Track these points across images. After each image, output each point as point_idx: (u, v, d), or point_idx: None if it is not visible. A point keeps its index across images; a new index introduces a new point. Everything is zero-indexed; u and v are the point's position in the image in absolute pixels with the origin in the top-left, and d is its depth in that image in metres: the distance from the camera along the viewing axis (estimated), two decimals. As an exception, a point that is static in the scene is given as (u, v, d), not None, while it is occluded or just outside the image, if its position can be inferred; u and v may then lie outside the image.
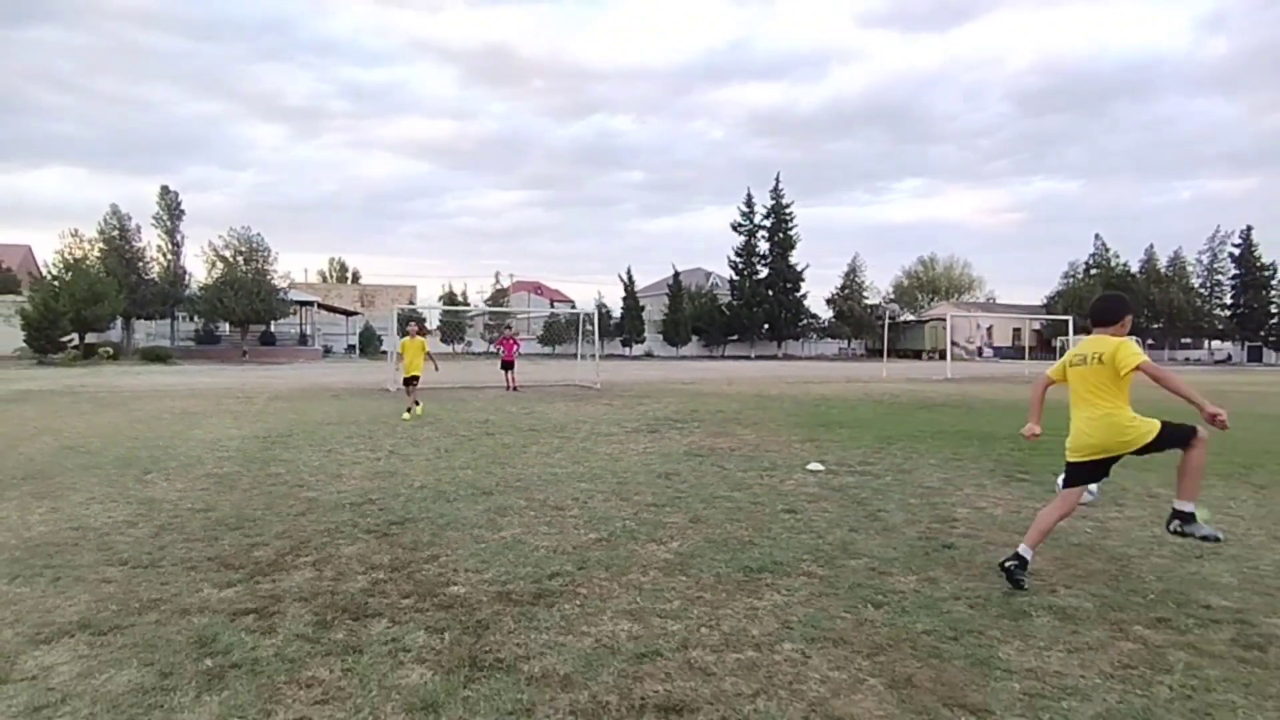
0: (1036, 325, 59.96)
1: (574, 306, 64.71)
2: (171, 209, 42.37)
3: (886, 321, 39.66)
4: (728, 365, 41.53)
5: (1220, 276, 60.73)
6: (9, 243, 56.49)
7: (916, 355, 57.59)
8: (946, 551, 4.56)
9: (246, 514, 5.31)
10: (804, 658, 2.99)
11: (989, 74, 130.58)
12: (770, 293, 56.84)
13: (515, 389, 18.01)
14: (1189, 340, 62.65)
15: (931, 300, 75.97)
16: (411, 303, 66.13)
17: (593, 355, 24.09)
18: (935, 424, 11.65)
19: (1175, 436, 3.88)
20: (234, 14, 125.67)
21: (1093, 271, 61.22)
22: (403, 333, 14.46)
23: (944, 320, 50.24)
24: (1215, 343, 63.00)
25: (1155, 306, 58.52)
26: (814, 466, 7.53)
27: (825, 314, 61.67)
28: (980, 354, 60.67)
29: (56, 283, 33.44)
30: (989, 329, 64.50)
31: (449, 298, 54.16)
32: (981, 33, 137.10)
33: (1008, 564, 3.87)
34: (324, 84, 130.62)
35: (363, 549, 4.46)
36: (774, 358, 55.39)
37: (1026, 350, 41.11)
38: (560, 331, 51.29)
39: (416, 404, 12.11)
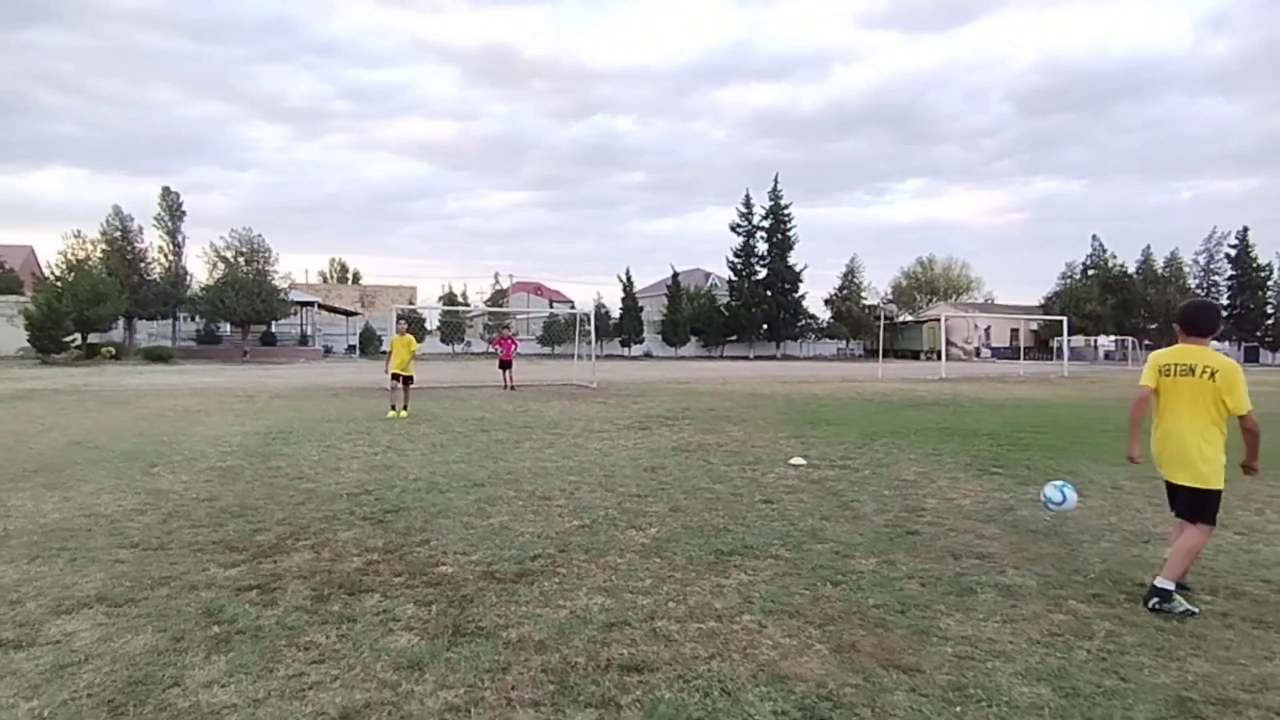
0: (1034, 326, 60.20)
1: (573, 307, 65.01)
2: (173, 210, 42.68)
3: (882, 322, 39.87)
4: (726, 365, 41.78)
5: (1217, 277, 60.89)
6: (12, 243, 56.80)
7: (915, 355, 57.82)
8: (910, 537, 4.83)
9: (249, 503, 5.59)
10: (760, 627, 3.26)
11: (991, 74, 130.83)
12: (769, 293, 57.07)
13: (513, 388, 18.28)
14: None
15: (930, 301, 76.21)
16: (411, 303, 66.43)
17: (589, 355, 24.35)
18: (921, 421, 11.92)
19: (1206, 510, 3.67)
20: (236, 15, 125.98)
21: (1090, 272, 61.45)
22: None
23: (949, 318, 50.52)
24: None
25: (1152, 307, 58.72)
26: (796, 461, 7.80)
27: (824, 314, 61.93)
28: (978, 354, 60.90)
29: (60, 283, 33.71)
30: (987, 329, 64.70)
31: (449, 298, 54.41)
32: (983, 33, 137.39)
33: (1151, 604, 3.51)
34: (326, 85, 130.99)
35: (358, 534, 4.74)
36: (772, 358, 55.65)
37: (1021, 351, 41.31)
38: (559, 332, 51.56)
39: (404, 407, 11.85)
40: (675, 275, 57.75)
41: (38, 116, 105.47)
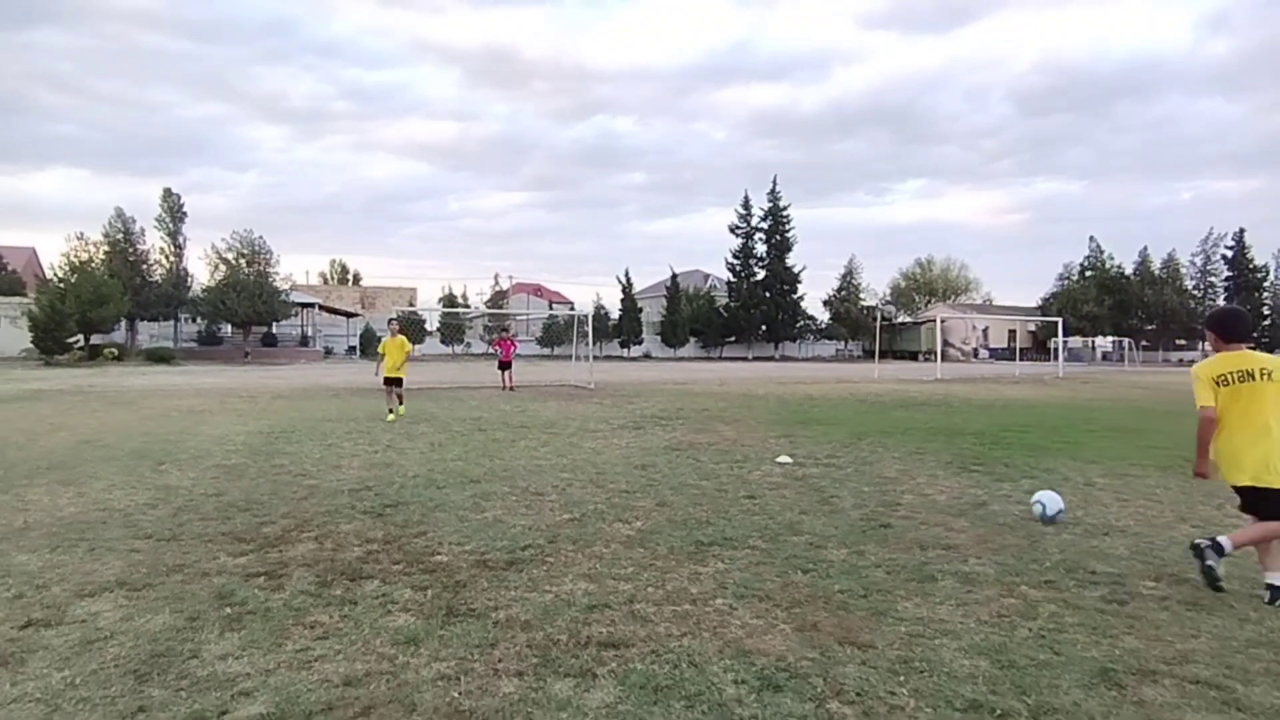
0: (1032, 327, 60.45)
1: (573, 308, 65.26)
2: (174, 211, 42.97)
3: (879, 323, 40.12)
4: (724, 366, 42.05)
5: (1213, 278, 61.23)
6: (14, 245, 57.07)
7: (913, 356, 58.06)
8: (882, 530, 5.09)
9: (254, 498, 5.86)
10: (731, 609, 3.53)
11: (991, 74, 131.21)
12: (767, 294, 57.36)
13: (512, 389, 18.54)
14: (1183, 341, 63.11)
15: (928, 302, 76.46)
16: (411, 304, 66.69)
17: (587, 356, 24.61)
18: (909, 421, 12.18)
19: None
20: (236, 15, 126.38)
21: (1088, 273, 61.74)
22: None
23: (944, 319, 50.76)
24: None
25: (1149, 308, 59.02)
26: (782, 459, 8.07)
27: (822, 316, 62.21)
28: (975, 355, 61.15)
29: (63, 285, 33.99)
30: (984, 330, 64.95)
31: (449, 299, 54.68)
32: (983, 33, 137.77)
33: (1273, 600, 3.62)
34: (326, 85, 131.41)
35: (359, 526, 5.00)
36: (771, 359, 55.89)
37: (1017, 352, 41.57)
38: (559, 333, 51.84)
39: (399, 405, 11.94)
40: (674, 276, 58.02)
41: (38, 117, 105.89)
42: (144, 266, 41.07)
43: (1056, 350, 35.03)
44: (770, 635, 3.21)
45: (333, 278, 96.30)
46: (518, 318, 55.73)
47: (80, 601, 3.49)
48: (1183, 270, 61.43)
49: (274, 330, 46.04)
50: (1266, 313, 59.65)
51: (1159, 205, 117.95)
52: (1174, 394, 20.06)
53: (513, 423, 11.46)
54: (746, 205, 58.12)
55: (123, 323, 39.89)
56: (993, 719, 2.49)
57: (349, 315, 56.56)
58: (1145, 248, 62.62)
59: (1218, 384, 3.80)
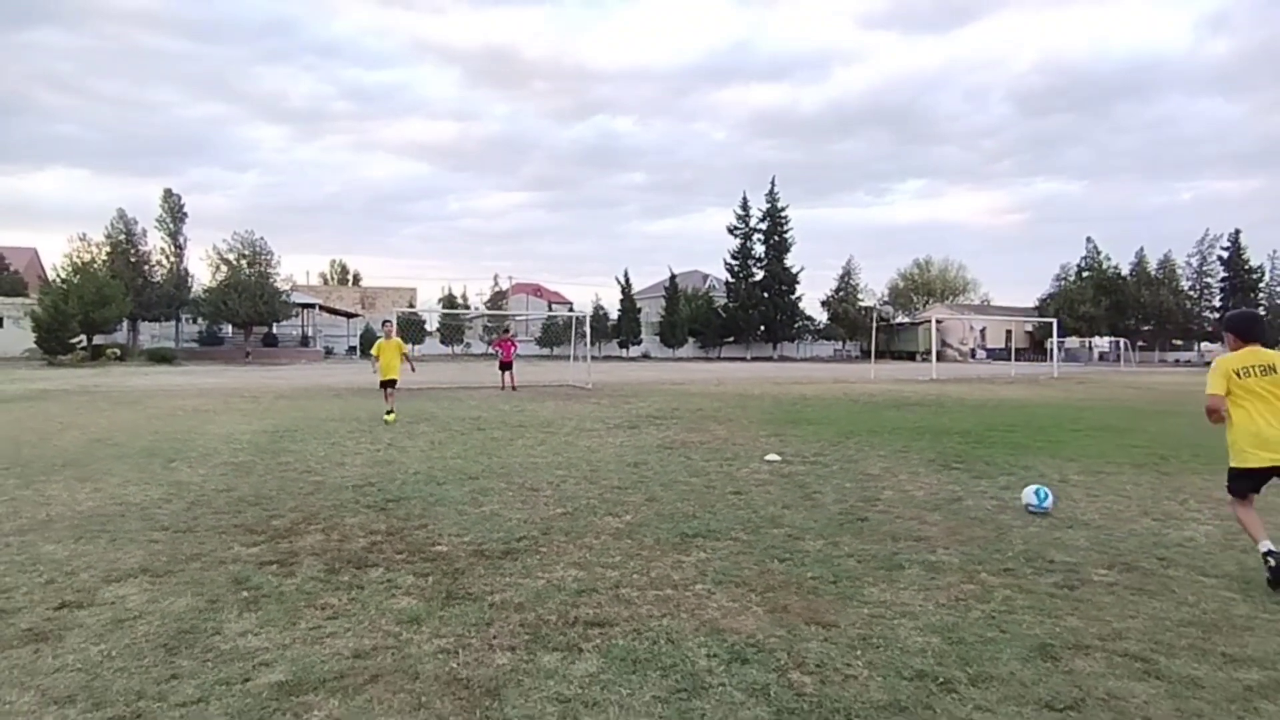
0: (1029, 327, 60.73)
1: (572, 308, 65.53)
2: (174, 212, 43.26)
3: (875, 323, 40.42)
4: (722, 367, 42.34)
5: (1209, 279, 61.49)
6: (15, 245, 57.36)
7: (910, 356, 58.32)
8: (858, 523, 5.38)
9: (263, 493, 6.14)
10: (709, 594, 3.81)
11: (991, 75, 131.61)
12: (766, 295, 57.65)
13: (514, 388, 18.81)
14: (1179, 342, 63.41)
15: (926, 302, 76.76)
16: (411, 305, 66.95)
17: (585, 357, 24.89)
18: (899, 421, 12.45)
19: None
20: (236, 16, 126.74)
21: (1084, 274, 62.01)
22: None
23: (938, 322, 51.05)
24: (1205, 344, 63.75)
25: (1145, 309, 59.28)
26: (771, 457, 8.35)
27: (821, 316, 62.49)
28: (973, 355, 61.43)
29: (66, 286, 34.28)
30: (982, 331, 65.23)
31: (448, 300, 54.98)
32: (983, 34, 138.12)
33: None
34: (326, 85, 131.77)
35: (364, 520, 5.29)
36: (769, 359, 56.18)
37: (1013, 352, 41.87)
38: (558, 333, 52.14)
39: (390, 411, 11.72)
40: (673, 277, 58.31)
41: (39, 117, 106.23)
42: (145, 267, 41.36)
43: (1053, 350, 35.34)
44: (743, 616, 3.50)
45: (333, 278, 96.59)
46: (517, 318, 56.01)
47: (108, 586, 3.78)
48: (1179, 271, 61.71)
49: (274, 331, 46.34)
50: (1262, 313, 59.91)
51: (1159, 205, 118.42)
52: (1166, 394, 20.35)
53: (511, 422, 11.74)
54: (745, 206, 58.42)
55: (124, 323, 40.19)
56: (935, 686, 2.77)
57: (349, 316, 56.85)
58: (1142, 248, 62.95)
59: (1237, 375, 4.19)
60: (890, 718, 2.53)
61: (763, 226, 58.39)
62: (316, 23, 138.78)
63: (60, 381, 21.61)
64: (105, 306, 33.86)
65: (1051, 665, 2.95)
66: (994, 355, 60.12)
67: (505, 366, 19.56)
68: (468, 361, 42.73)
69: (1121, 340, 57.57)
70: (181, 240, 43.43)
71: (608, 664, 2.94)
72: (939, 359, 39.17)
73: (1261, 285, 59.94)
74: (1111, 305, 58.67)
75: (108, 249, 39.61)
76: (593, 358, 30.31)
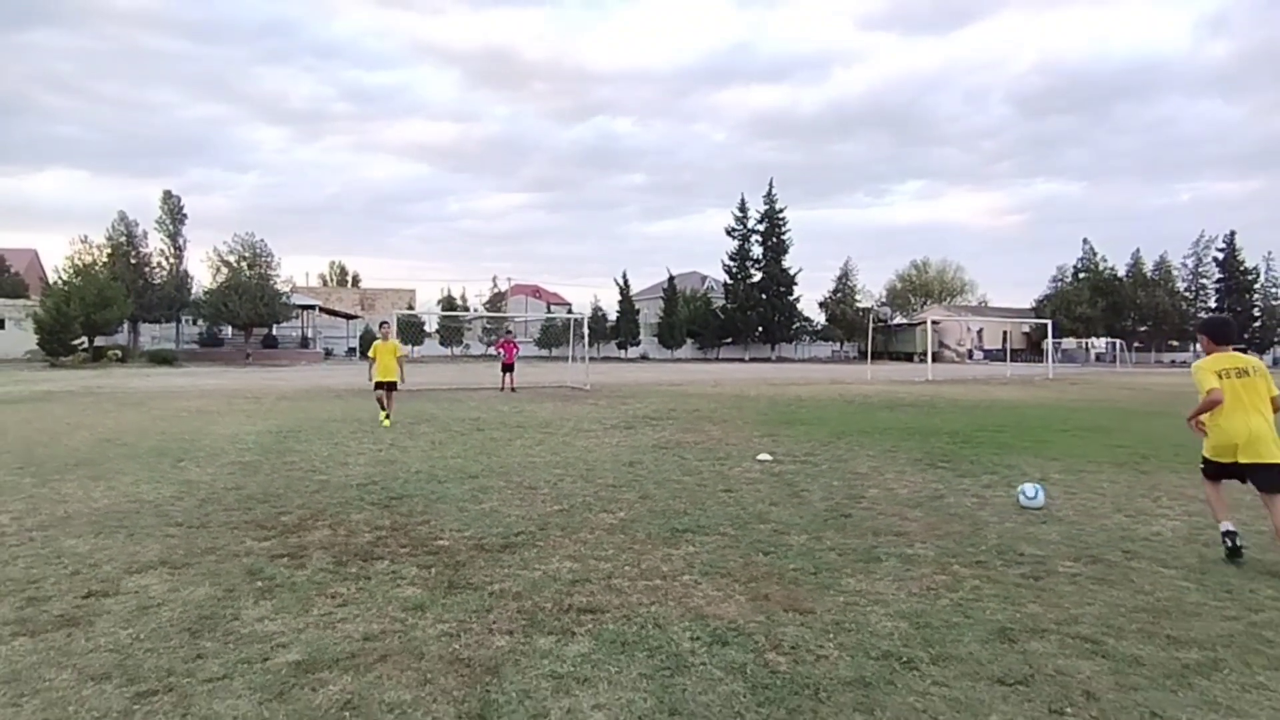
0: (1025, 328, 61.00)
1: (570, 309, 65.78)
2: (174, 213, 43.47)
3: (871, 324, 40.68)
4: (720, 368, 42.57)
5: (1204, 280, 61.81)
6: (15, 247, 57.56)
7: (908, 358, 58.57)
8: (842, 519, 5.61)
9: (271, 492, 6.38)
10: (696, 584, 4.05)
11: (990, 76, 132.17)
12: (764, 296, 57.89)
13: (514, 389, 19.04)
14: (1175, 343, 63.68)
15: (924, 303, 77.06)
16: (410, 306, 67.16)
17: (584, 358, 25.13)
18: (891, 421, 12.70)
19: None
20: (236, 17, 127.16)
21: (1081, 275, 62.29)
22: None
23: (934, 323, 51.32)
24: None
25: (1141, 310, 59.57)
26: (762, 457, 8.59)
27: (819, 317, 62.76)
28: (970, 356, 61.70)
29: (67, 288, 34.50)
30: (979, 332, 65.51)
31: (447, 301, 55.22)
32: (982, 35, 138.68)
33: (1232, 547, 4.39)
34: (326, 87, 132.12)
35: (368, 516, 5.53)
36: (767, 360, 56.42)
37: (1009, 353, 42.14)
38: (556, 335, 52.39)
39: (388, 415, 11.53)
40: (671, 278, 58.57)
41: (39, 118, 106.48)
42: (146, 269, 41.59)
43: (1048, 352, 35.62)
44: (726, 604, 3.74)
45: (332, 279, 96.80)
46: (515, 320, 56.24)
47: (130, 577, 4.01)
48: (1174, 272, 62.02)
49: (274, 332, 46.56)
50: (1257, 314, 60.24)
51: (1159, 207, 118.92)
52: (1158, 395, 20.58)
53: (510, 423, 11.98)
54: (743, 208, 58.67)
55: (125, 325, 40.41)
56: (899, 664, 3.01)
57: (349, 317, 57.06)
58: (1138, 250, 63.37)
59: (1221, 375, 4.52)
60: (855, 691, 2.78)
61: (761, 228, 58.64)
62: (316, 23, 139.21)
63: (63, 383, 21.83)
64: (107, 308, 34.08)
65: (1008, 646, 3.20)
66: (991, 356, 60.37)
67: (508, 368, 19.78)
68: (466, 363, 42.97)
69: (1118, 341, 57.86)
70: (181, 242, 43.67)
71: (598, 646, 3.18)
72: (936, 360, 39.38)
73: (1256, 286, 60.25)
74: (1108, 306, 58.98)
75: (108, 251, 39.83)
76: (591, 359, 30.56)
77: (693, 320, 57.19)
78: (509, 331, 31.77)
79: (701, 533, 5.14)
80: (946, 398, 18.96)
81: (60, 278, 36.82)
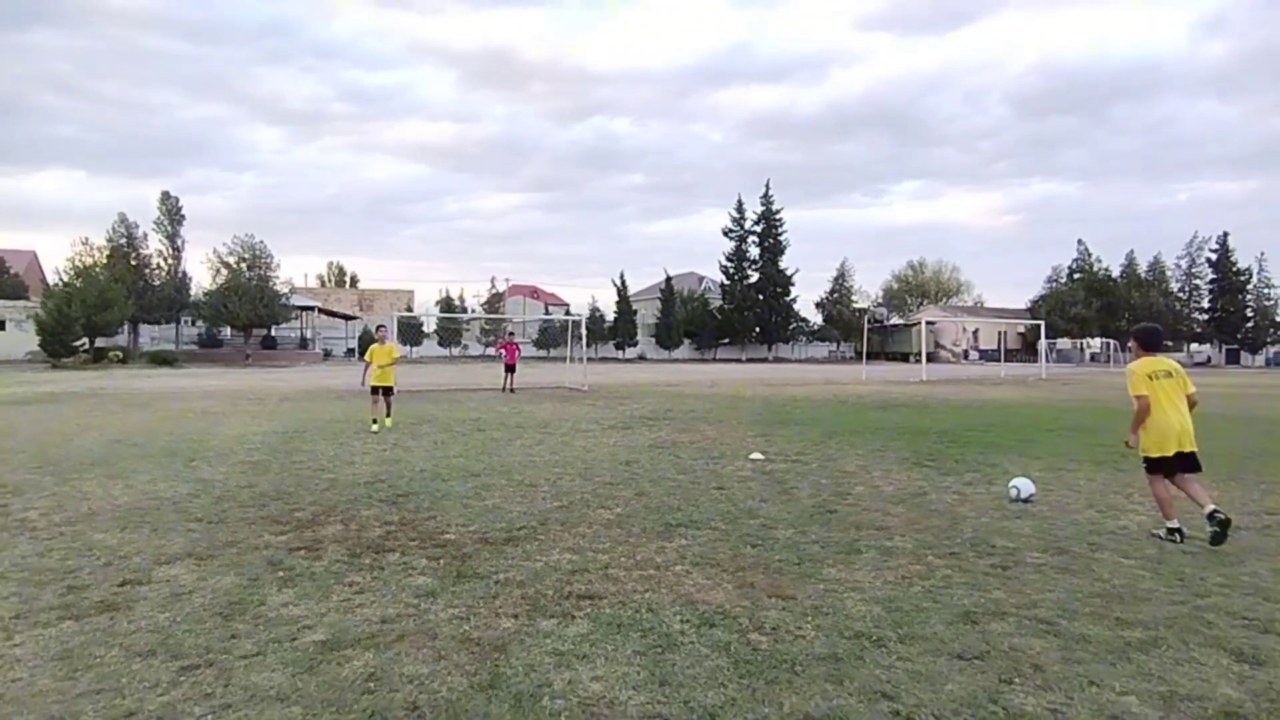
0: (1021, 329, 61.42)
1: (569, 310, 66.06)
2: (172, 214, 43.71)
3: (867, 325, 41.02)
4: (717, 368, 42.91)
5: (1198, 281, 62.31)
6: (15, 248, 57.69)
7: (904, 358, 58.97)
8: (828, 515, 5.91)
9: (282, 490, 6.67)
10: (687, 573, 4.35)
11: (989, 77, 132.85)
12: (761, 297, 58.31)
13: (512, 390, 19.32)
14: (1169, 343, 64.11)
15: (920, 304, 77.48)
16: (409, 307, 67.39)
17: (581, 359, 25.42)
18: (882, 421, 13.01)
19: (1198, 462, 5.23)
20: (236, 17, 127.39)
21: (1076, 276, 62.76)
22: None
23: (930, 323, 51.62)
24: (1194, 345, 64.57)
25: (1136, 310, 59.98)
26: (755, 456, 8.89)
27: (816, 318, 63.16)
28: (966, 356, 62.09)
29: (69, 290, 34.74)
30: (975, 332, 65.93)
31: (446, 303, 55.50)
32: (981, 35, 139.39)
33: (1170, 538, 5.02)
34: (325, 87, 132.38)
35: (378, 512, 5.82)
36: (764, 360, 56.78)
37: (1004, 353, 42.52)
38: (554, 335, 52.71)
39: (388, 415, 11.43)
40: (669, 279, 58.91)
41: (38, 118, 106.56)
42: (147, 270, 41.82)
43: (1043, 352, 36.00)
44: (715, 591, 4.03)
45: (330, 280, 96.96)
46: (514, 320, 56.52)
47: (159, 567, 4.30)
48: (1168, 273, 62.51)
49: (274, 333, 46.82)
50: (1250, 314, 60.71)
51: (1157, 207, 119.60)
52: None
53: (509, 423, 12.27)
54: (740, 209, 59.06)
55: (125, 326, 40.64)
56: (869, 643, 3.31)
57: (348, 318, 57.32)
58: (1132, 250, 63.80)
59: (1151, 378, 5.22)
60: (827, 665, 3.08)
61: (758, 229, 59.01)
62: (316, 24, 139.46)
63: (66, 384, 22.08)
64: (107, 310, 34.34)
65: (970, 627, 3.50)
66: (987, 356, 60.77)
67: (509, 369, 20.06)
68: (465, 363, 43.26)
69: (1112, 341, 58.26)
70: (179, 242, 43.92)
71: (596, 627, 3.48)
72: (932, 360, 39.71)
73: (1249, 287, 60.71)
74: (1102, 307, 59.44)
75: (108, 253, 40.05)
76: (589, 359, 30.84)
77: (690, 321, 57.54)
78: (511, 333, 32.05)
79: (694, 527, 5.43)
80: (939, 398, 19.28)
81: (61, 279, 37.04)
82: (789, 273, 59.17)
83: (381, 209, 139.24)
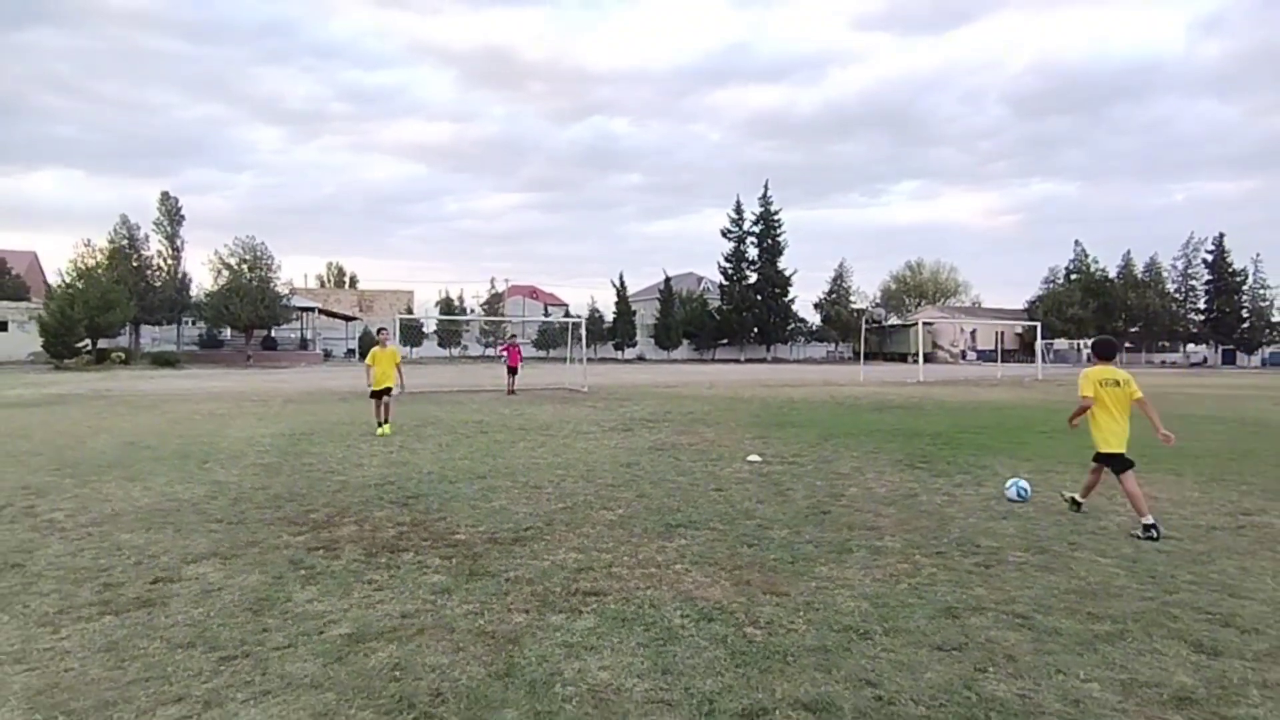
0: (1018, 329, 61.73)
1: (568, 311, 66.31)
2: (172, 214, 43.95)
3: (864, 326, 41.30)
4: (715, 369, 43.16)
5: (1194, 282, 62.64)
6: (15, 249, 57.85)
7: (902, 358, 59.27)
8: (821, 516, 6.16)
9: (295, 491, 6.91)
10: (686, 571, 4.60)
11: (988, 77, 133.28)
12: (759, 297, 58.60)
13: (512, 393, 19.56)
14: (1166, 344, 64.48)
15: (918, 304, 77.80)
16: (409, 307, 67.60)
17: (581, 360, 25.65)
18: (878, 424, 13.26)
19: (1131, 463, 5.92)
20: (235, 17, 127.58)
21: (1073, 277, 63.07)
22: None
23: (927, 324, 51.91)
24: (1190, 346, 64.93)
25: (1132, 311, 60.36)
26: (752, 458, 9.14)
27: (814, 318, 63.46)
28: (964, 357, 62.39)
29: (71, 291, 34.94)
30: (973, 333, 66.24)
31: (445, 304, 55.72)
32: (979, 35, 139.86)
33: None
34: (324, 87, 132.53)
35: (390, 513, 6.06)
36: (763, 361, 57.06)
37: (1000, 354, 42.85)
38: (554, 336, 52.96)
39: (385, 422, 11.30)
40: (667, 279, 59.18)
41: (38, 118, 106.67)
42: (148, 272, 42.04)
43: (1039, 353, 36.29)
44: (713, 588, 4.28)
45: (329, 280, 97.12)
46: (513, 321, 56.75)
47: (188, 566, 4.55)
48: (1165, 274, 62.84)
49: (274, 334, 47.04)
50: (1245, 315, 61.05)
51: (1156, 207, 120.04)
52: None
53: (512, 425, 12.52)
54: (738, 209, 59.33)
55: (127, 326, 40.84)
56: (856, 635, 3.56)
57: (347, 319, 57.53)
58: (1129, 251, 64.14)
59: (1101, 385, 5.98)
60: (817, 656, 3.32)
61: (756, 230, 59.27)
62: (315, 24, 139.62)
63: (71, 386, 22.31)
64: (110, 311, 34.56)
65: (951, 621, 3.75)
66: (984, 357, 61.06)
67: (512, 371, 20.29)
68: (465, 364, 43.50)
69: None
70: (179, 243, 44.13)
71: (602, 621, 3.72)
72: (929, 361, 39.99)
73: (1245, 288, 61.04)
74: (1099, 307, 59.76)
75: (110, 253, 40.25)
76: (588, 360, 31.07)
77: (689, 321, 57.80)
78: (513, 336, 32.29)
79: (693, 528, 5.68)
80: (934, 399, 19.53)
81: (63, 280, 37.24)
82: (787, 273, 59.48)
83: (380, 209, 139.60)
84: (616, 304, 57.40)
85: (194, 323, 46.30)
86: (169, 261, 43.80)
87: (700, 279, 69.44)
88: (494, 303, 59.55)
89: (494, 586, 4.25)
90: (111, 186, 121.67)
